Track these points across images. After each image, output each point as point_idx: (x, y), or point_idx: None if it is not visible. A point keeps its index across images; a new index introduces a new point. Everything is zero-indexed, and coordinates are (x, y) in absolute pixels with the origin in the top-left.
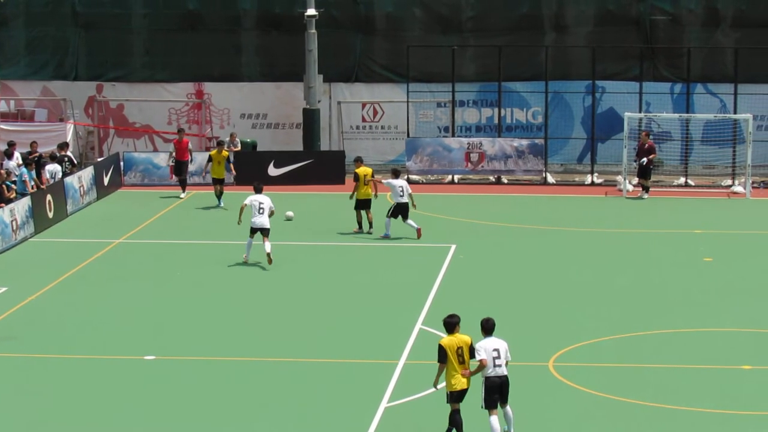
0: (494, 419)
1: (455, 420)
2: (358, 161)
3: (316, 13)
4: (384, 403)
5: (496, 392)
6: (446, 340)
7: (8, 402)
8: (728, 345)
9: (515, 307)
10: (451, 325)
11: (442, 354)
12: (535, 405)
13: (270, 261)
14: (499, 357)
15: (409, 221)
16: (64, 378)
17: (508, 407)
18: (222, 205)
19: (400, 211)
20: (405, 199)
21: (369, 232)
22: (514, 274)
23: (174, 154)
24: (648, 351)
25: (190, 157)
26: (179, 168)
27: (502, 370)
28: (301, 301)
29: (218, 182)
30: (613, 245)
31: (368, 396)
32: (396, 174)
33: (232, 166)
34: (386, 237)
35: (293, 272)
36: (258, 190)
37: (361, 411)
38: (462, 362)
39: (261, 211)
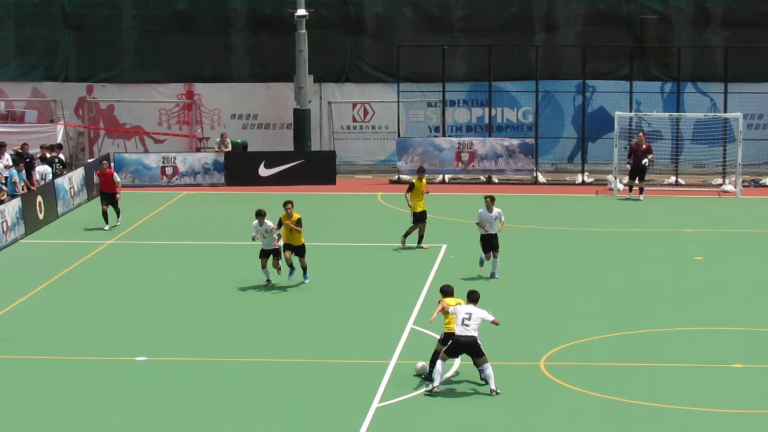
0: (440, 363)
1: (434, 360)
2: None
3: (306, 14)
4: (375, 404)
5: (462, 350)
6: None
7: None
8: (719, 343)
9: (506, 307)
10: (447, 292)
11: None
12: (527, 404)
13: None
14: (469, 319)
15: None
16: (56, 379)
17: (485, 366)
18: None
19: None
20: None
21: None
22: (504, 274)
23: (98, 185)
24: (639, 350)
25: (118, 189)
26: (105, 200)
27: (469, 331)
28: (291, 302)
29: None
30: (604, 244)
31: (359, 396)
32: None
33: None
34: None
35: (284, 273)
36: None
37: (353, 411)
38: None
39: (264, 236)
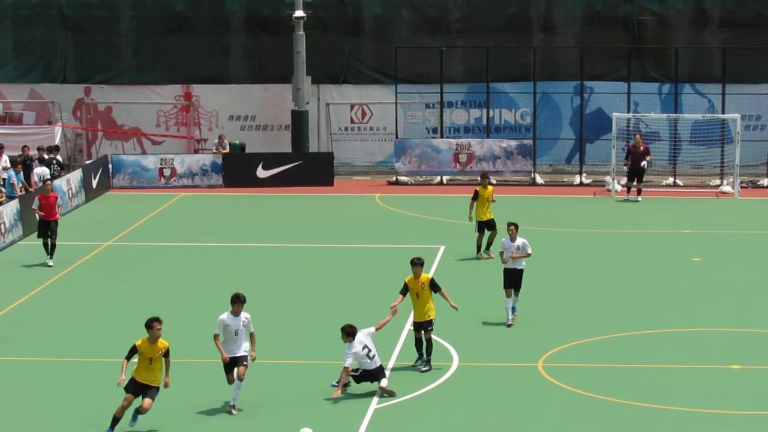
0: (346, 376)
1: (417, 344)
2: (485, 177)
3: (304, 15)
4: (373, 405)
5: (371, 378)
6: (410, 278)
7: None
8: (717, 345)
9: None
10: (418, 265)
11: (405, 288)
12: (525, 405)
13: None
14: (371, 350)
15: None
16: (54, 380)
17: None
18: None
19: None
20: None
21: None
22: (502, 275)
23: (40, 212)
24: (637, 351)
25: (59, 215)
26: (45, 229)
27: (376, 362)
28: (289, 303)
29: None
30: (602, 245)
31: (358, 397)
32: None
33: None
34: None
35: (282, 274)
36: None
37: (351, 412)
38: (418, 297)
39: (237, 333)
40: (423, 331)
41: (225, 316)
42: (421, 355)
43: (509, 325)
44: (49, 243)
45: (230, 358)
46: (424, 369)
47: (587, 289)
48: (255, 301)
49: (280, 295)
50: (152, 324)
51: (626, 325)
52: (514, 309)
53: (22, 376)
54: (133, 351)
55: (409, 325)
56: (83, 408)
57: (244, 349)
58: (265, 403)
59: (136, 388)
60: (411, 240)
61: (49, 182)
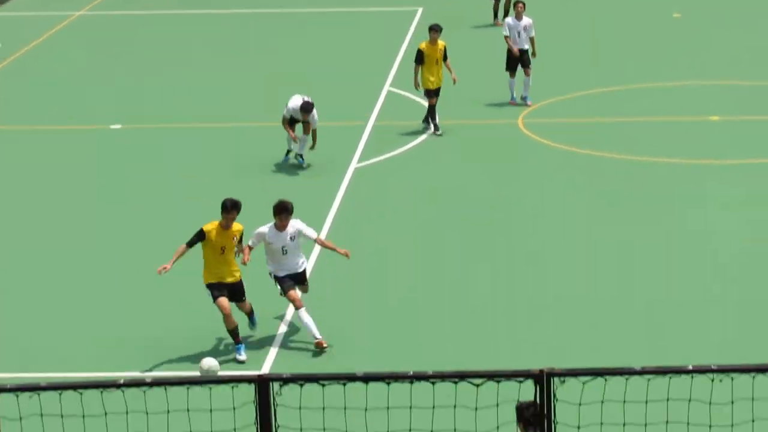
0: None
1: (431, 110)
2: None
3: None
4: (354, 164)
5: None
6: (425, 45)
7: None
8: (696, 97)
9: (486, 69)
10: (437, 31)
11: (419, 56)
12: (506, 161)
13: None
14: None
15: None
16: (31, 149)
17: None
18: None
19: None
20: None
21: None
22: (484, 37)
23: None
24: (618, 105)
25: None
26: None
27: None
28: (271, 67)
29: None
30: (579, 4)
31: (339, 157)
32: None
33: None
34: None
35: (264, 40)
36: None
37: (332, 171)
38: (437, 63)
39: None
40: (436, 97)
41: (266, 229)
42: (434, 118)
43: (512, 104)
44: None
45: (286, 275)
46: (438, 133)
47: (565, 46)
48: (233, 62)
49: (260, 59)
50: (229, 208)
51: (606, 81)
52: (525, 98)
53: None
54: (200, 237)
55: (388, 86)
56: (59, 177)
57: (301, 264)
58: (245, 166)
59: (221, 290)
60: (387, 2)
61: None
